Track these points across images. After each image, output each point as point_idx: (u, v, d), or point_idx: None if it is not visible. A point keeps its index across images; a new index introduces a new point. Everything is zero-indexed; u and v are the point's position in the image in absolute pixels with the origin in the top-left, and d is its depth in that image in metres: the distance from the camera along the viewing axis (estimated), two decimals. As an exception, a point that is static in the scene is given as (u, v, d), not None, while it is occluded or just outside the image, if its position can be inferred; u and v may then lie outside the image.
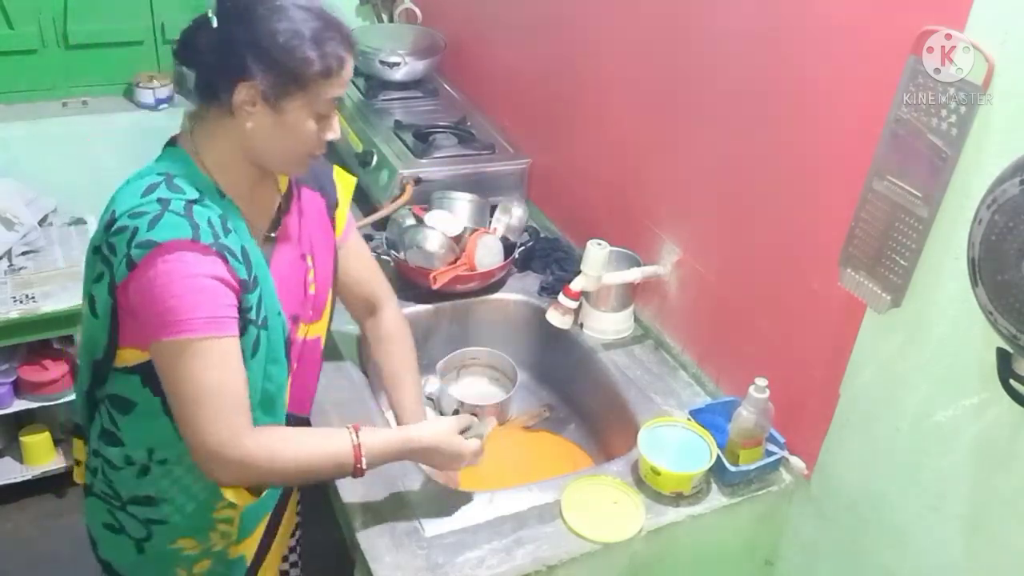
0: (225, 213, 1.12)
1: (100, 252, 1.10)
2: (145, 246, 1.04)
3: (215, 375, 1.06)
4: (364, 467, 1.16)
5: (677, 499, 1.33)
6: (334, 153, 2.29)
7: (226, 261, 1.08)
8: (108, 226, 1.08)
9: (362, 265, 1.45)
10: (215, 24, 1.08)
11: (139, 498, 1.22)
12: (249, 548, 1.32)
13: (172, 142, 1.18)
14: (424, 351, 1.77)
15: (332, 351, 1.59)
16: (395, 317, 1.49)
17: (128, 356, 1.14)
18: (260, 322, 1.14)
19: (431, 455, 1.24)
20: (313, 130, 1.13)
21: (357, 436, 1.16)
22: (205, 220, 1.08)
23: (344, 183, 1.38)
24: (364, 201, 2.07)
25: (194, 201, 1.09)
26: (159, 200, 1.07)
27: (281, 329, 1.19)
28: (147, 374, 1.13)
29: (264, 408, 1.18)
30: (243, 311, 1.11)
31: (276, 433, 1.16)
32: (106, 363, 1.16)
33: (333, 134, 1.16)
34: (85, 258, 1.15)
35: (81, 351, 1.21)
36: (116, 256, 1.06)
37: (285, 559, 1.53)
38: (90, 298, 1.13)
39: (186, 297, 1.04)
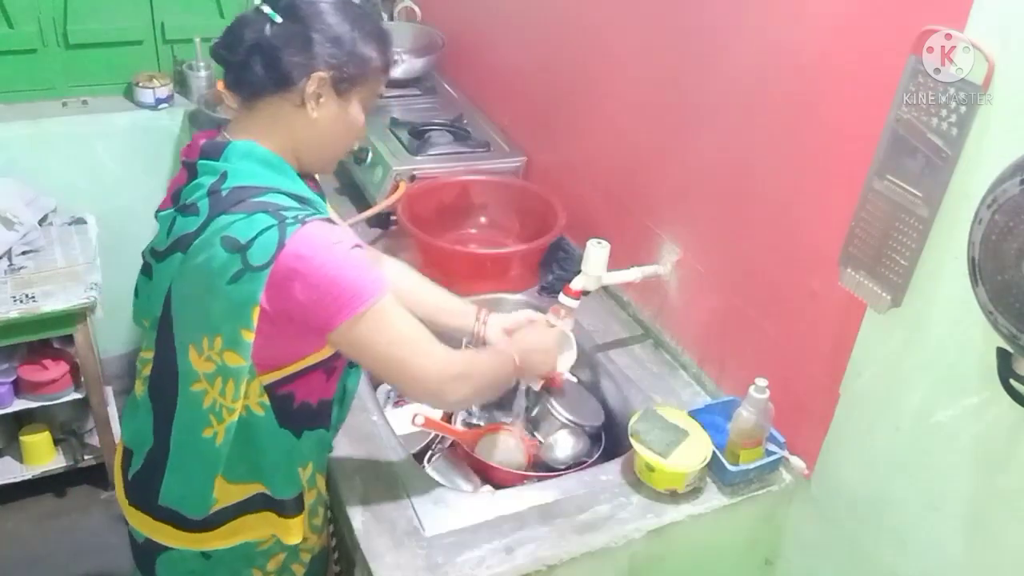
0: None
1: None
2: None
3: (409, 316, 1.15)
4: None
5: (674, 497, 1.33)
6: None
7: None
8: None
9: None
10: (279, 20, 1.11)
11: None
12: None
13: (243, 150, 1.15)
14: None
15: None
16: (394, 262, 1.53)
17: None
18: None
19: (534, 355, 1.41)
20: (363, 123, 1.21)
21: (518, 358, 1.33)
22: None
23: None
24: (359, 198, 2.08)
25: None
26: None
27: None
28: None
29: None
30: None
31: (462, 352, 1.31)
32: None
33: (364, 129, 1.24)
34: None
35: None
36: None
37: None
38: None
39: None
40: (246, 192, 1.09)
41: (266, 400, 1.15)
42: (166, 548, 1.23)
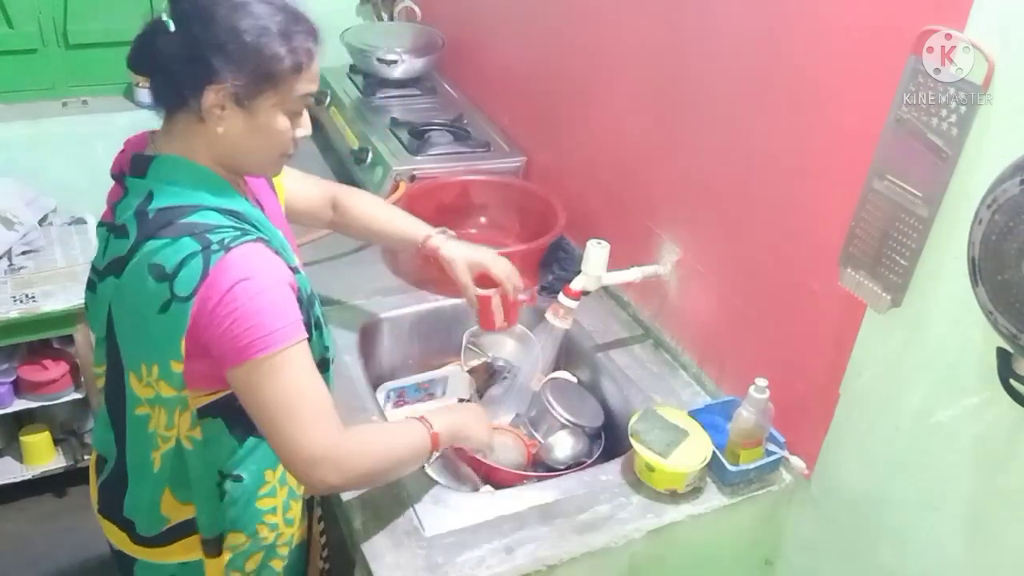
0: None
1: None
2: None
3: (315, 378, 1.07)
4: (438, 454, 1.23)
5: (674, 497, 1.33)
6: (331, 151, 2.30)
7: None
8: None
9: (308, 179, 1.49)
10: (172, 28, 1.02)
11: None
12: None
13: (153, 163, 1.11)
14: (425, 350, 1.77)
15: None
16: (357, 190, 1.57)
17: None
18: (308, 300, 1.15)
19: (467, 415, 1.30)
20: (286, 128, 1.10)
21: (431, 425, 1.19)
22: None
23: None
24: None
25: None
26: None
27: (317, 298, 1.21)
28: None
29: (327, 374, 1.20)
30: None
31: (363, 431, 1.17)
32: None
33: (304, 131, 1.13)
34: None
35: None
36: None
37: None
38: None
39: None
40: (172, 213, 1.04)
41: (197, 435, 1.12)
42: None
